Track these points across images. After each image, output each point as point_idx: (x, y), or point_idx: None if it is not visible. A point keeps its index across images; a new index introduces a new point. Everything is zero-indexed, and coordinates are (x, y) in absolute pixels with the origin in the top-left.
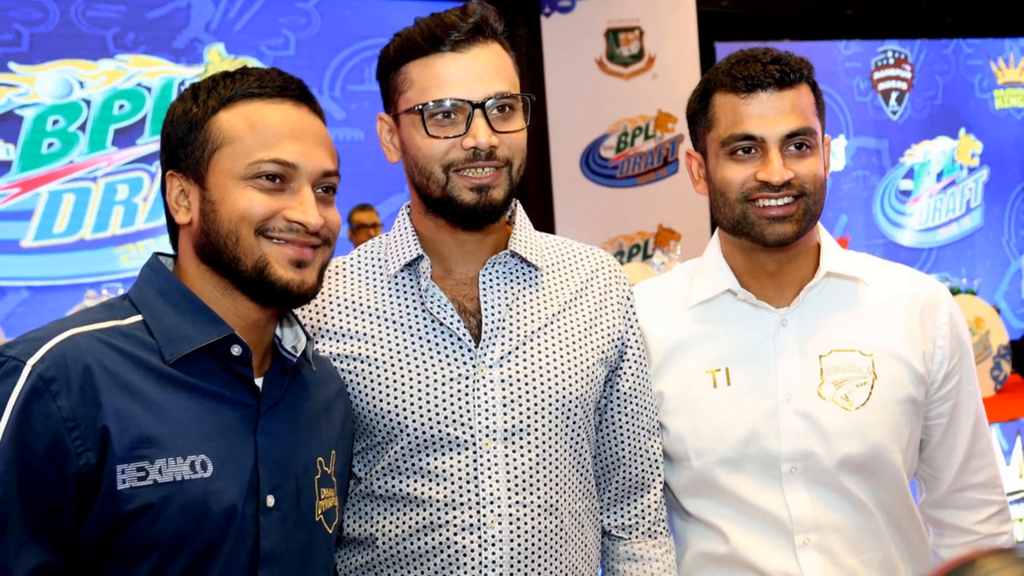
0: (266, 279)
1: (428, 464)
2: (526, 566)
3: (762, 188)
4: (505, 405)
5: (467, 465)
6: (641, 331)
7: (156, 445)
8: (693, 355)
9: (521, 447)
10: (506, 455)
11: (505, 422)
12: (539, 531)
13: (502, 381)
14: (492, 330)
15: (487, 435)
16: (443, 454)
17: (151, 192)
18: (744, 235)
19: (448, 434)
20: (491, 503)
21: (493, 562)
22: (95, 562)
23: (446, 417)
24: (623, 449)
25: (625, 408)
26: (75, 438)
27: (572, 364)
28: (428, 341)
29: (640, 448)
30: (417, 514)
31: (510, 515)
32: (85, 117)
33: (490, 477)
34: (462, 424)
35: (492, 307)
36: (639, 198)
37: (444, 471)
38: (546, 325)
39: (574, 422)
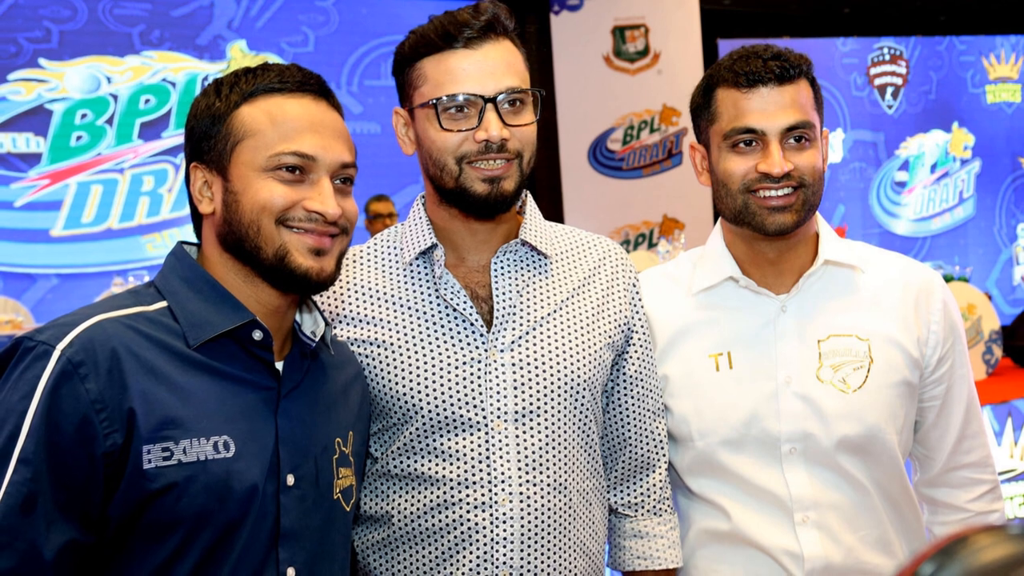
0: (286, 267)
1: (442, 444)
2: (536, 542)
3: (763, 179)
4: (516, 388)
5: (479, 445)
6: (646, 316)
7: (180, 426)
8: (696, 340)
9: (531, 428)
10: (517, 436)
11: (516, 404)
12: (548, 509)
13: (513, 365)
14: (503, 316)
15: (498, 417)
16: (456, 435)
17: (175, 183)
18: (745, 224)
19: (461, 416)
20: (502, 482)
21: (504, 538)
22: (122, 539)
23: (459, 399)
24: (629, 430)
25: (631, 391)
26: (103, 420)
27: (580, 348)
28: (442, 326)
29: (645, 429)
30: (431, 492)
31: (520, 493)
32: (112, 111)
33: (501, 457)
34: (474, 406)
35: (503, 293)
36: (644, 189)
37: (457, 451)
38: (555, 311)
39: (582, 404)
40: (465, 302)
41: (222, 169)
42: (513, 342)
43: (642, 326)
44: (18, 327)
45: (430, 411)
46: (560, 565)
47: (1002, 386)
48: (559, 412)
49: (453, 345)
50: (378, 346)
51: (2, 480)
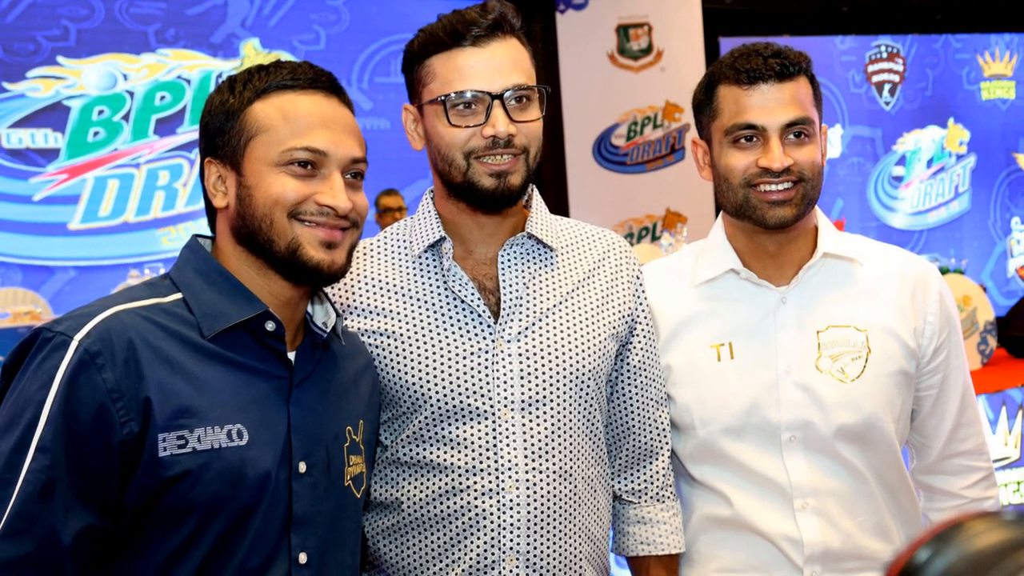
0: (298, 259)
1: (450, 433)
2: (542, 528)
3: (763, 174)
4: (522, 377)
5: (486, 434)
6: (650, 308)
7: (195, 415)
8: (698, 330)
9: (537, 417)
10: (523, 424)
11: (522, 393)
12: (554, 496)
13: (519, 355)
14: (510, 307)
15: (505, 406)
16: (464, 423)
17: (190, 178)
18: (746, 218)
19: (468, 405)
20: (509, 469)
21: (511, 524)
22: (138, 524)
23: (467, 389)
24: (633, 419)
25: (635, 380)
26: (119, 408)
27: (585, 339)
28: (450, 317)
29: (649, 418)
30: (440, 479)
31: (527, 481)
32: (128, 107)
33: (508, 445)
34: (482, 395)
35: (510, 285)
36: (648, 183)
37: (465, 439)
38: (561, 302)
39: (587, 393)
40: (473, 294)
41: (236, 164)
42: (520, 333)
43: (645, 317)
44: (36, 318)
45: (439, 400)
46: (565, 550)
47: (997, 375)
48: (564, 401)
49: (461, 336)
50: (388, 337)
51: (21, 468)
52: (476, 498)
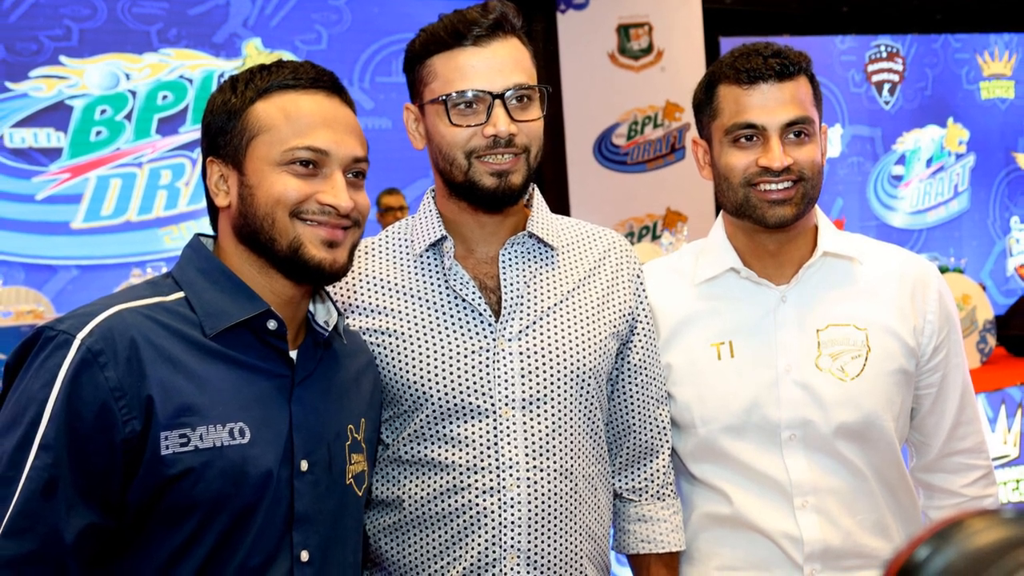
0: (300, 258)
1: (451, 431)
2: (543, 526)
3: (763, 173)
4: (523, 376)
5: (487, 432)
6: (650, 307)
7: (197, 413)
8: (699, 329)
9: (538, 415)
10: (524, 423)
11: (523, 392)
12: (555, 494)
13: (520, 353)
14: (511, 306)
15: (506, 404)
16: (465, 422)
17: (192, 177)
18: (747, 217)
19: (470, 403)
20: (510, 467)
21: (512, 522)
22: (141, 523)
23: (468, 387)
24: (633, 417)
25: (635, 379)
26: (122, 407)
27: (586, 337)
28: (451, 316)
29: (649, 416)
30: (441, 478)
31: (528, 479)
32: (131, 107)
33: (509, 443)
34: (483, 394)
35: (511, 284)
36: (648, 183)
37: (466, 438)
38: (562, 301)
39: (588, 392)
40: (474, 292)
41: (238, 163)
42: (520, 331)
43: (646, 316)
44: (39, 317)
45: (440, 398)
46: (566, 548)
47: (996, 374)
48: (565, 399)
49: (462, 334)
50: (389, 335)
51: (24, 466)
52: (477, 496)
